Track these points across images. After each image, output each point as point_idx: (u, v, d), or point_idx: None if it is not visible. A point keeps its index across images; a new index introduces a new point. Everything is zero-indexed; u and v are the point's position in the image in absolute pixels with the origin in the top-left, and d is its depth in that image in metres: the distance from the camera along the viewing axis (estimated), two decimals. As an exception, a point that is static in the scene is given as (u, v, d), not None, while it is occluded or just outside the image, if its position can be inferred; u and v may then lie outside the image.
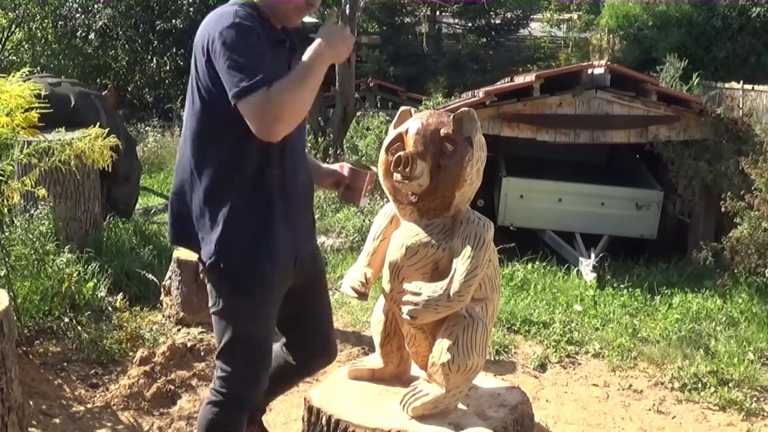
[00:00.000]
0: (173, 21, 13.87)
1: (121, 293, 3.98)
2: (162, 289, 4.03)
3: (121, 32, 14.33)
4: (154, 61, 14.38)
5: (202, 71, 1.96)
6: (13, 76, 3.34)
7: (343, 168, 2.36)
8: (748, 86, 9.57)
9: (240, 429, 2.15)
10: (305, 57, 1.97)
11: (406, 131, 2.19)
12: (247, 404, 2.16)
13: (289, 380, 2.45)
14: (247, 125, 1.88)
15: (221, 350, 2.09)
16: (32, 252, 3.67)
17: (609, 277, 5.44)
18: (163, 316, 3.99)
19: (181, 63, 14.24)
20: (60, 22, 14.28)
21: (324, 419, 2.19)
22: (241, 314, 2.05)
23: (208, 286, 2.08)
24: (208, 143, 2.01)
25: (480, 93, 6.61)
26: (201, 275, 2.15)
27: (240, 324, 2.06)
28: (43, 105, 3.32)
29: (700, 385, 3.54)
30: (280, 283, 2.09)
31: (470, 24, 17.34)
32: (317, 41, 1.99)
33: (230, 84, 1.86)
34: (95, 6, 14.13)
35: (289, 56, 2.07)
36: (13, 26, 13.68)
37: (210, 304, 2.09)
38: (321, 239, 5.91)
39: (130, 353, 3.48)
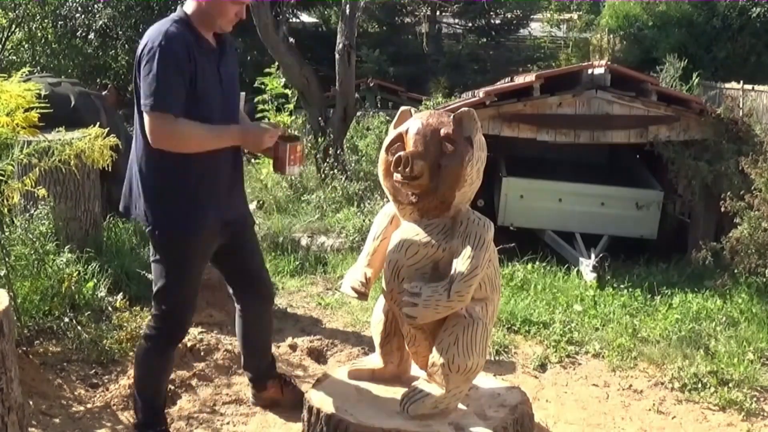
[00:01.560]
0: (173, 21, 13.86)
1: (121, 293, 3.98)
2: (162, 289, 4.03)
3: (121, 32, 14.32)
4: (154, 61, 14.37)
5: (136, 77, 2.44)
6: (14, 76, 3.34)
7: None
8: (749, 86, 9.55)
9: (167, 359, 2.71)
10: (227, 127, 2.51)
11: (406, 131, 2.19)
12: (173, 338, 2.68)
13: (245, 328, 2.91)
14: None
15: (155, 293, 2.61)
16: (32, 252, 3.67)
17: (609, 277, 5.44)
18: (163, 316, 3.99)
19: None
20: (60, 22, 14.27)
21: (324, 419, 2.19)
22: (170, 266, 2.55)
23: (150, 243, 2.60)
24: (144, 140, 2.46)
25: (480, 93, 6.61)
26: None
27: (169, 275, 2.55)
28: (43, 105, 3.32)
29: (700, 386, 3.54)
30: (203, 244, 2.58)
31: (470, 24, 17.32)
32: (238, 131, 2.55)
33: (143, 96, 2.36)
34: (95, 6, 14.12)
35: (219, 61, 2.52)
36: (13, 26, 13.67)
37: (150, 255, 2.64)
38: (321, 239, 5.92)
39: (130, 353, 3.48)
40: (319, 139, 7.80)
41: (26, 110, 3.22)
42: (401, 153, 2.14)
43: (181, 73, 2.36)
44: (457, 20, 17.77)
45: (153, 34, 2.42)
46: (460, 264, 2.08)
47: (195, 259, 2.60)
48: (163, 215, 2.51)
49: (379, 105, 10.68)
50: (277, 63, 7.99)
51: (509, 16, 17.37)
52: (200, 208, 2.51)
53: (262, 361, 3.03)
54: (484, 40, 16.89)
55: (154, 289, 2.61)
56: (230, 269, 2.81)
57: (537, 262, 5.48)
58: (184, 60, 2.37)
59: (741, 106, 6.70)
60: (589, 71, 6.20)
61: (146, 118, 2.36)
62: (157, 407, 2.77)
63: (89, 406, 3.08)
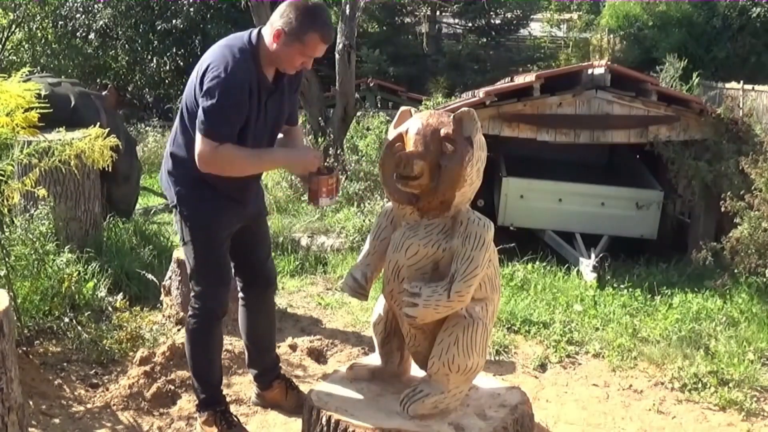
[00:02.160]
0: (173, 21, 13.87)
1: (121, 293, 3.98)
2: (162, 289, 4.03)
3: (121, 32, 14.33)
4: (154, 61, 14.39)
5: (194, 88, 2.52)
6: (14, 76, 3.34)
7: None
8: (748, 86, 9.55)
9: (214, 336, 2.81)
10: (271, 152, 2.67)
11: (407, 131, 2.19)
12: (215, 315, 2.77)
13: (249, 319, 3.00)
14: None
15: (190, 274, 2.78)
16: (32, 252, 3.67)
17: (609, 277, 5.44)
18: (163, 316, 3.99)
19: (181, 63, 14.24)
20: (60, 22, 14.28)
21: (324, 419, 2.19)
22: (198, 248, 2.70)
23: (176, 226, 2.75)
24: (184, 138, 2.62)
25: (480, 93, 6.61)
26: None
27: (198, 256, 2.71)
28: (43, 105, 3.32)
29: (700, 386, 3.54)
30: (226, 230, 2.71)
31: (470, 24, 17.32)
32: (283, 155, 2.73)
33: (200, 115, 2.44)
34: (95, 6, 14.14)
35: (269, 97, 2.58)
36: (13, 26, 13.68)
37: (179, 240, 2.80)
38: (321, 239, 5.92)
39: (130, 353, 3.48)
40: (319, 139, 7.80)
41: (26, 110, 3.22)
42: (401, 153, 2.14)
43: (239, 107, 2.46)
44: (457, 20, 17.77)
45: (219, 57, 2.48)
46: (460, 264, 2.08)
47: (220, 241, 2.72)
48: (195, 202, 2.65)
49: (379, 105, 10.68)
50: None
51: (509, 16, 17.37)
52: (231, 201, 2.67)
53: (267, 356, 3.07)
54: (484, 40, 16.88)
55: (188, 270, 2.81)
56: (239, 255, 2.89)
57: (537, 262, 5.49)
58: (245, 94, 2.47)
59: (741, 106, 6.70)
60: (589, 71, 6.21)
61: (198, 137, 2.46)
62: (214, 385, 2.86)
63: (89, 406, 3.08)
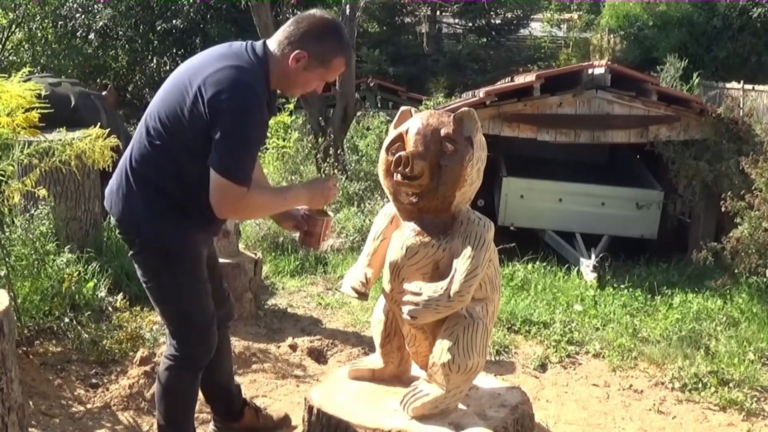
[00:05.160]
0: (173, 21, 13.88)
1: (121, 293, 3.97)
2: (162, 289, 4.02)
3: (121, 32, 14.33)
4: (154, 61, 14.39)
5: (188, 110, 2.13)
6: (14, 77, 3.34)
7: (303, 213, 2.45)
8: (749, 86, 9.54)
9: (197, 386, 2.48)
10: (292, 189, 2.41)
11: (407, 131, 2.19)
12: (204, 362, 2.42)
13: (219, 350, 2.58)
14: (194, 167, 2.14)
15: (172, 321, 2.43)
16: (32, 252, 3.66)
17: (609, 277, 5.44)
18: (164, 316, 3.99)
19: (181, 63, 14.24)
20: (60, 22, 14.28)
21: (324, 419, 2.18)
22: (184, 285, 2.36)
23: (151, 268, 2.41)
24: (158, 158, 2.23)
25: (480, 93, 6.61)
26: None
27: (184, 295, 2.37)
28: (43, 105, 3.32)
29: (700, 385, 3.54)
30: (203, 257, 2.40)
31: (470, 24, 17.34)
32: (303, 189, 2.36)
33: (218, 156, 2.08)
34: (95, 6, 14.14)
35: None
36: (13, 26, 13.68)
37: (150, 284, 2.44)
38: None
39: (130, 353, 3.48)
40: (319, 139, 7.80)
41: (26, 110, 3.22)
42: (401, 153, 2.13)
43: (260, 140, 2.21)
44: (457, 20, 17.78)
45: (234, 84, 2.09)
46: (461, 264, 2.08)
47: (203, 270, 2.40)
48: (176, 231, 2.28)
49: (379, 105, 10.68)
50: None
51: (509, 16, 17.39)
52: (207, 223, 2.32)
53: (233, 385, 2.76)
54: (484, 40, 16.90)
55: (169, 317, 2.39)
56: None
57: (537, 262, 5.49)
58: (267, 126, 2.26)
59: (741, 106, 6.70)
60: (590, 71, 6.21)
61: (220, 181, 2.09)
62: None
63: (89, 406, 3.08)
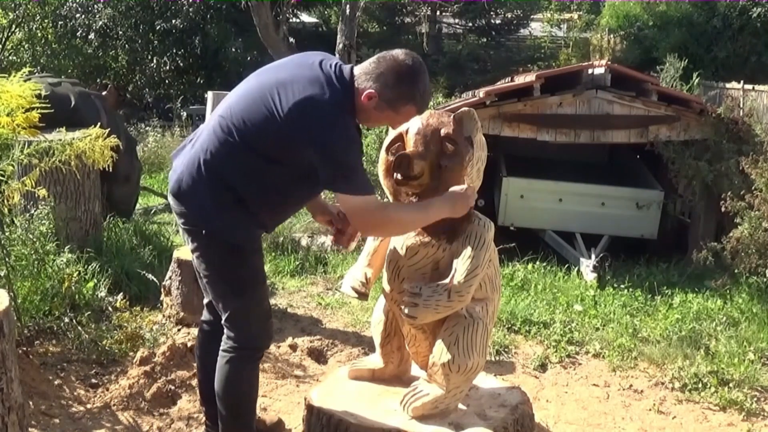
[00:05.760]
0: (173, 21, 13.88)
1: (121, 293, 3.97)
2: (162, 289, 4.03)
3: (121, 32, 14.33)
4: (154, 61, 14.39)
5: (273, 129, 2.16)
6: (14, 77, 3.34)
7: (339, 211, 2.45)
8: (749, 86, 9.56)
9: (258, 374, 2.49)
10: (431, 205, 2.23)
11: (407, 131, 2.19)
12: (263, 351, 2.51)
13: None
14: (269, 169, 2.23)
15: (233, 315, 2.40)
16: (32, 252, 3.66)
17: (609, 277, 5.44)
18: (164, 316, 3.99)
19: (181, 63, 14.24)
20: (60, 22, 14.28)
21: (324, 419, 2.19)
22: (248, 279, 2.38)
23: (213, 263, 2.38)
24: (235, 160, 2.26)
25: (480, 93, 6.60)
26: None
27: (248, 288, 2.38)
28: (43, 105, 3.32)
29: (700, 386, 3.53)
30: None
31: (470, 24, 17.36)
32: (445, 201, 2.23)
33: (346, 187, 2.16)
34: (95, 6, 14.14)
35: None
36: (13, 26, 13.67)
37: (214, 280, 2.40)
38: (321, 239, 5.91)
39: (130, 353, 3.48)
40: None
41: (26, 110, 3.22)
42: (401, 153, 2.14)
43: (361, 156, 2.31)
44: (457, 20, 17.80)
45: (330, 121, 2.14)
46: (461, 264, 2.08)
47: (263, 262, 2.49)
48: (242, 225, 2.31)
49: (379, 105, 10.66)
50: (277, 63, 7.98)
51: (509, 16, 17.41)
52: (266, 220, 2.40)
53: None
54: (485, 40, 16.93)
55: (233, 308, 2.38)
56: None
57: (537, 262, 5.48)
58: (360, 142, 2.32)
59: (741, 105, 6.70)
60: (590, 71, 6.20)
61: (349, 203, 2.19)
62: (253, 426, 2.54)
63: (89, 406, 3.08)
